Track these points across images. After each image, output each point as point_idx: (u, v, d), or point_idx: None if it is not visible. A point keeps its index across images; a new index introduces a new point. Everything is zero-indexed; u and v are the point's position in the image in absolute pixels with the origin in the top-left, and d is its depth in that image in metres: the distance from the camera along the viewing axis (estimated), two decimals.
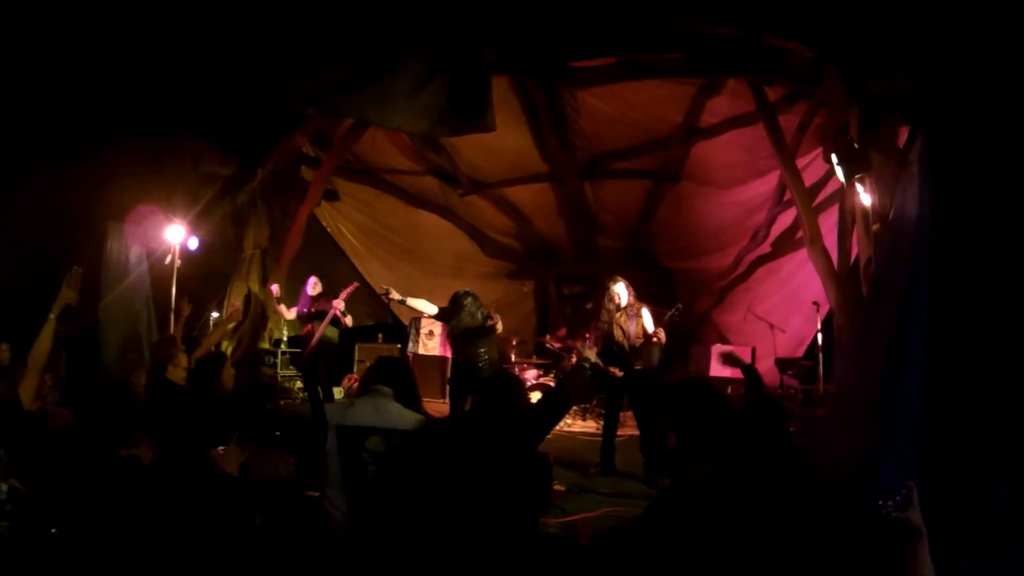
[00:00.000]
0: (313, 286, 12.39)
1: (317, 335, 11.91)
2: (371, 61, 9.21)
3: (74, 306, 8.10)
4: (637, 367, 9.76)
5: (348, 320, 12.23)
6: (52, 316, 6.74)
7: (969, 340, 5.98)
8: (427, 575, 4.15)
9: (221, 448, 5.27)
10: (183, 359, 7.92)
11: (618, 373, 9.76)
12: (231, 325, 12.52)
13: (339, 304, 11.88)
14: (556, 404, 4.92)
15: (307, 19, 9.02)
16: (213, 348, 10.78)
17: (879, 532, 2.89)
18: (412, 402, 5.12)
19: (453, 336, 10.45)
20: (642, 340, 9.81)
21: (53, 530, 4.88)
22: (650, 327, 9.84)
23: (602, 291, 10.35)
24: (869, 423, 6.49)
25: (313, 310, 12.19)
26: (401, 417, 4.90)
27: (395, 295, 10.66)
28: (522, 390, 4.91)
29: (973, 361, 5.91)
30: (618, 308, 10.01)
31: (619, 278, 10.18)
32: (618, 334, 9.92)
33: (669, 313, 9.91)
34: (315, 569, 4.68)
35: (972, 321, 6.02)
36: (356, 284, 12.58)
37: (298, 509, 5.54)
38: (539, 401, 4.97)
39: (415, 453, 4.57)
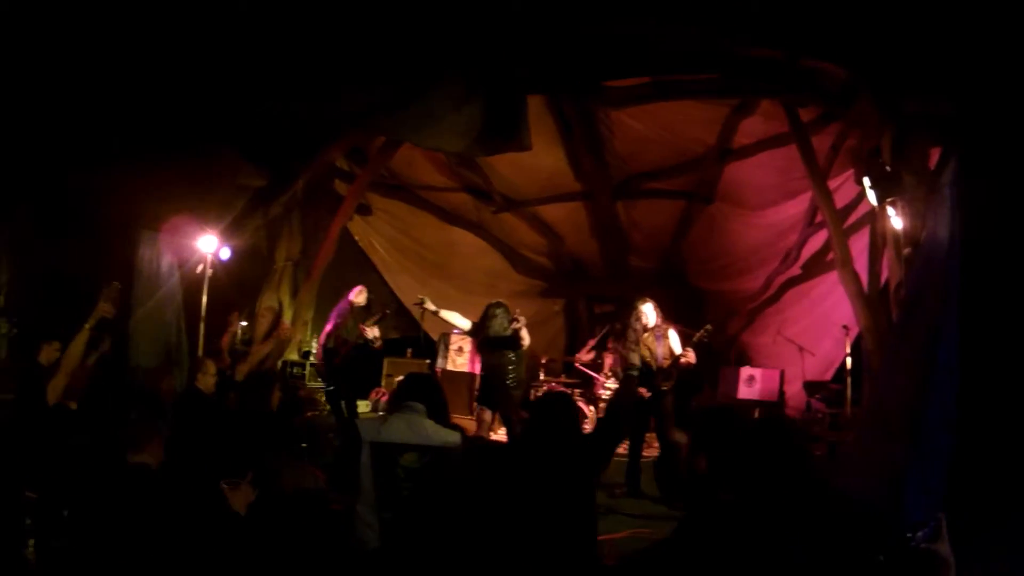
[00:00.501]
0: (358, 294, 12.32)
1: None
2: (410, 82, 9.28)
3: (110, 318, 8.28)
4: (663, 388, 9.75)
5: (379, 344, 12.20)
6: (87, 326, 6.87)
7: (1001, 369, 5.94)
8: None
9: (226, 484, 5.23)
10: (211, 366, 8.02)
11: (646, 394, 9.73)
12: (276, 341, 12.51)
13: (372, 331, 11.85)
14: (613, 430, 4.92)
15: (347, 40, 9.08)
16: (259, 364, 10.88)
17: (906, 562, 2.89)
18: (442, 419, 5.12)
19: (482, 346, 10.47)
20: (669, 361, 9.79)
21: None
22: (677, 348, 9.82)
23: (629, 311, 10.34)
24: (897, 451, 6.44)
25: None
26: (436, 434, 4.90)
27: (430, 305, 10.72)
28: (575, 411, 4.95)
29: (1005, 391, 5.86)
30: (645, 328, 9.98)
31: (647, 299, 10.16)
32: (645, 354, 9.91)
33: (698, 334, 9.88)
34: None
35: (1004, 349, 5.98)
36: (387, 312, 12.66)
37: (326, 523, 5.57)
38: (595, 431, 4.97)
39: (465, 474, 4.62)
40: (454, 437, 4.97)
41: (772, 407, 13.40)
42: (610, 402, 11.35)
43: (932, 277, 6.93)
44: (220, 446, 5.80)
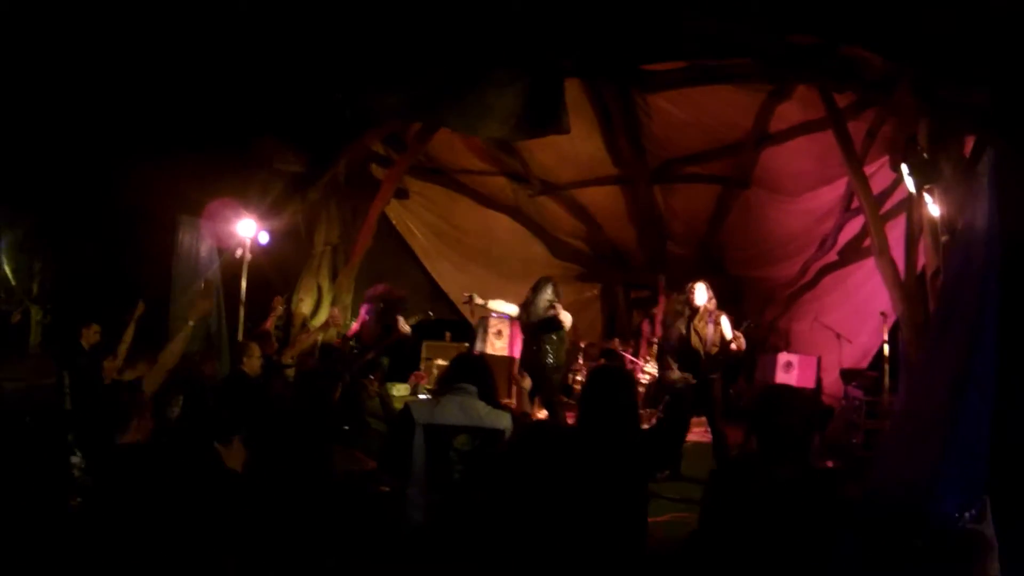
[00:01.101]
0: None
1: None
2: (455, 72, 9.33)
3: (209, 316, 8.52)
4: (712, 376, 9.74)
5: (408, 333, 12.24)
6: (190, 323, 7.02)
7: None
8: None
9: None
10: (256, 349, 8.12)
11: (691, 379, 9.73)
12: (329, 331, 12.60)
13: (405, 327, 11.93)
14: (675, 425, 4.91)
15: (391, 30, 9.13)
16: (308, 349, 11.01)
17: (951, 542, 2.97)
18: (493, 400, 5.17)
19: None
20: (718, 347, 9.80)
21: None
22: (728, 334, 9.79)
23: (682, 294, 10.34)
24: (932, 445, 6.45)
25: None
26: (488, 416, 4.94)
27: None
28: (633, 387, 4.72)
29: None
30: (696, 311, 9.95)
31: (701, 279, 10.17)
32: (695, 340, 9.90)
33: (744, 324, 9.90)
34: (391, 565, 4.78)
35: None
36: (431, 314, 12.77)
37: (374, 505, 5.65)
38: (656, 427, 4.93)
39: (516, 456, 4.61)
40: (506, 420, 5.00)
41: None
42: (671, 398, 11.45)
43: (970, 268, 6.93)
44: (270, 429, 5.90)
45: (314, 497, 5.35)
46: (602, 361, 14.44)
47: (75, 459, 6.70)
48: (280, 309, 11.84)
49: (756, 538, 2.92)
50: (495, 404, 5.17)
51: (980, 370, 6.16)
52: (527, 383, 10.11)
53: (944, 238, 8.77)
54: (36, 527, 5.14)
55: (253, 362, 8.02)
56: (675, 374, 9.94)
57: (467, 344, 16.11)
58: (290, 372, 11.45)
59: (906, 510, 4.07)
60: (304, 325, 13.93)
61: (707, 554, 3.03)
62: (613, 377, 4.60)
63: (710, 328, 9.84)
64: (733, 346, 9.65)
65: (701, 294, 9.97)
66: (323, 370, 6.56)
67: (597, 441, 4.35)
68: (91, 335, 9.34)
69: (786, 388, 4.89)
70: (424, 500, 4.79)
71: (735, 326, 9.90)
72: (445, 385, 5.23)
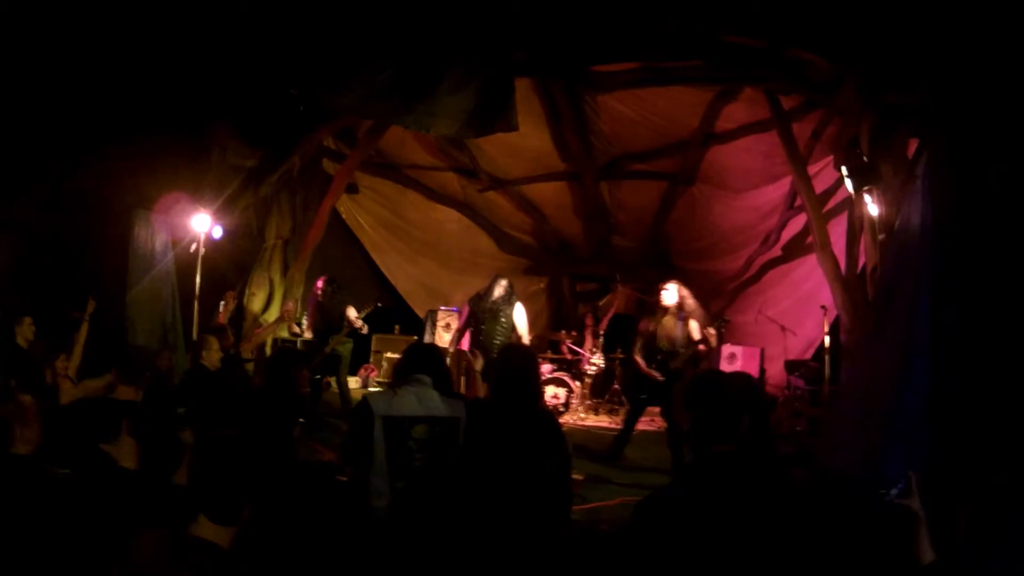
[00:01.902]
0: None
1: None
2: (407, 68, 9.37)
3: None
4: (677, 369, 9.94)
5: (364, 328, 12.48)
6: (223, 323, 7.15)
7: (971, 344, 6.24)
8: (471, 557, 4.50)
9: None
10: (214, 343, 8.17)
11: (659, 377, 9.96)
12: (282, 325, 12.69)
13: (356, 320, 12.14)
14: None
15: (344, 25, 9.18)
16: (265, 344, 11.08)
17: (885, 519, 3.19)
18: (448, 389, 5.34)
19: (476, 311, 10.85)
20: (685, 348, 9.98)
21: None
22: (696, 335, 9.97)
23: (654, 292, 10.56)
24: (875, 426, 6.78)
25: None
26: (444, 406, 5.07)
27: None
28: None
29: (976, 364, 6.16)
30: (665, 311, 10.12)
31: (673, 280, 10.41)
32: (661, 336, 10.09)
33: (716, 323, 10.14)
34: (357, 554, 4.93)
35: (974, 326, 6.27)
36: (378, 303, 13.00)
37: (334, 494, 5.79)
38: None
39: (468, 439, 4.93)
40: (460, 409, 5.18)
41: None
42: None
43: (907, 263, 7.24)
44: (238, 422, 5.99)
45: (279, 487, 5.50)
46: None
47: None
48: (232, 303, 11.94)
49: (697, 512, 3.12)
50: (450, 393, 5.32)
51: (919, 350, 6.49)
52: (479, 363, 10.30)
53: (881, 236, 9.09)
54: None
55: (212, 355, 8.07)
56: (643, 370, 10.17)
57: (415, 337, 16.26)
58: (249, 366, 11.61)
59: (851, 489, 4.31)
60: (255, 320, 14.00)
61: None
62: (519, 352, 5.36)
63: (679, 328, 10.06)
64: (701, 347, 9.87)
65: (671, 295, 10.16)
66: (289, 363, 6.61)
67: (506, 410, 4.86)
68: (25, 330, 9.03)
69: (717, 372, 5.16)
70: (387, 488, 4.88)
71: (708, 323, 10.11)
72: (400, 376, 5.27)
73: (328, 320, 12.17)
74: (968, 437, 5.82)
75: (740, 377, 5.13)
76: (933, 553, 3.20)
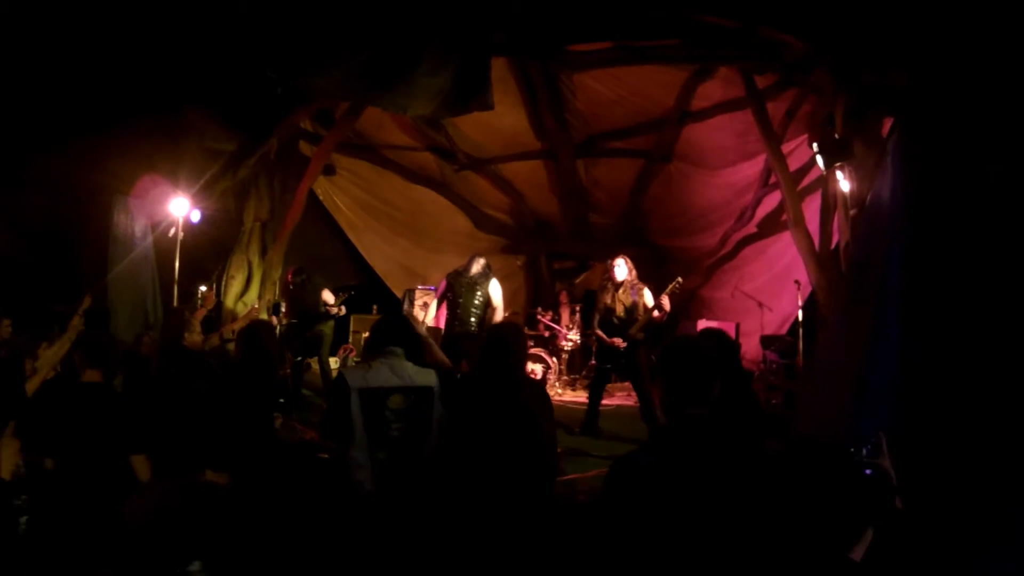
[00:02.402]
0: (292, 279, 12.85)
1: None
2: (384, 50, 9.37)
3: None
4: (638, 337, 10.24)
5: (341, 310, 12.84)
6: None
7: (939, 314, 6.38)
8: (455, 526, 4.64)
9: None
10: (196, 324, 8.24)
11: (621, 344, 10.21)
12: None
13: (335, 309, 12.46)
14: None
15: (321, 6, 9.18)
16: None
17: (852, 475, 3.30)
18: (420, 359, 5.46)
19: (452, 285, 10.96)
20: (642, 315, 10.26)
21: None
22: (650, 302, 10.32)
23: (604, 268, 10.80)
24: (848, 390, 6.95)
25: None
26: (418, 375, 5.22)
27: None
28: (522, 337, 5.41)
29: (943, 333, 6.30)
30: (619, 285, 10.47)
31: (621, 255, 10.63)
32: (619, 309, 10.38)
33: (670, 286, 10.36)
34: (345, 525, 5.05)
35: (941, 297, 6.41)
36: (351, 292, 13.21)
37: (317, 471, 5.91)
38: None
39: (452, 406, 5.08)
40: (433, 377, 5.29)
41: None
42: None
43: (877, 236, 7.36)
44: (222, 404, 6.06)
45: (263, 464, 5.61)
46: None
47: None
48: (211, 303, 11.99)
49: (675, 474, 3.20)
50: (422, 363, 5.45)
51: (888, 320, 6.64)
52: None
53: (853, 212, 9.23)
54: None
55: (194, 337, 8.11)
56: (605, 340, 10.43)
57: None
58: (230, 346, 11.68)
59: (824, 452, 4.43)
60: (236, 301, 14.04)
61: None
62: (508, 329, 5.48)
63: (632, 299, 10.32)
64: (655, 314, 10.13)
65: (621, 269, 10.54)
66: (263, 332, 6.66)
67: (491, 382, 5.05)
68: (3, 329, 9.04)
69: (689, 337, 5.30)
70: (368, 460, 5.00)
71: (661, 290, 10.35)
72: (373, 350, 5.39)
73: (304, 307, 12.37)
74: (935, 402, 5.97)
75: (714, 336, 5.23)
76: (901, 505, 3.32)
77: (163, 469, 5.74)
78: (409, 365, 5.24)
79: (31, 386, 7.15)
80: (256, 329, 6.30)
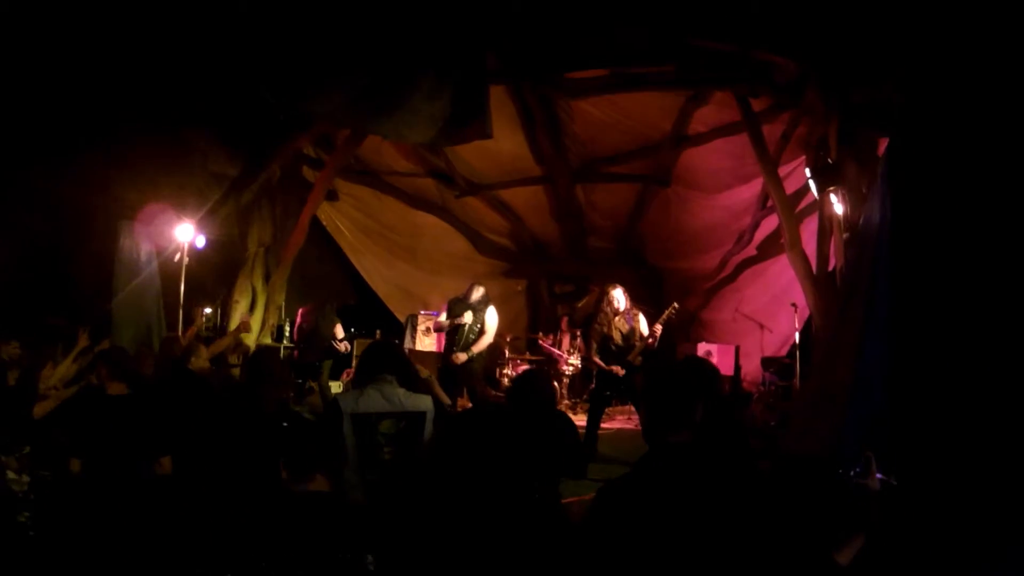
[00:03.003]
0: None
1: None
2: (382, 77, 9.48)
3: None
4: (636, 363, 10.36)
5: (344, 346, 13.13)
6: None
7: (927, 336, 6.46)
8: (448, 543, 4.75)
9: None
10: (203, 350, 8.37)
11: (620, 371, 10.34)
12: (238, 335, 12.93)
13: (341, 346, 12.73)
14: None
15: (320, 33, 9.29)
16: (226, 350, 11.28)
17: (839, 495, 3.39)
18: (413, 385, 5.59)
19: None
20: (639, 341, 10.40)
21: None
22: (645, 330, 10.44)
23: (601, 296, 10.93)
24: (837, 408, 7.07)
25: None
26: (408, 400, 5.35)
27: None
28: (550, 385, 5.60)
29: (931, 355, 6.39)
30: (616, 312, 10.55)
31: (617, 285, 10.74)
32: (616, 336, 10.49)
33: (666, 312, 10.47)
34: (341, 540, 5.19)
35: (929, 319, 6.49)
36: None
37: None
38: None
39: (440, 437, 5.19)
40: (426, 402, 5.43)
41: (728, 381, 14.04)
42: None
43: (865, 257, 7.47)
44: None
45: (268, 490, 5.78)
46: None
47: (11, 474, 6.97)
48: (200, 317, 12.10)
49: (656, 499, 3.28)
50: (415, 388, 5.57)
51: (876, 343, 6.74)
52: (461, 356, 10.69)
53: (845, 235, 9.34)
54: None
55: (200, 362, 8.23)
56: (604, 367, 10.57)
57: (396, 341, 16.42)
58: (235, 371, 11.85)
59: (811, 470, 4.53)
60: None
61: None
62: (535, 375, 5.65)
63: (629, 326, 10.49)
64: (650, 340, 10.26)
65: (620, 299, 10.64)
66: (270, 359, 6.83)
67: (522, 426, 5.16)
68: (11, 351, 9.14)
69: (668, 362, 5.42)
70: (360, 481, 5.18)
71: (658, 314, 10.50)
72: (365, 375, 5.51)
73: (318, 336, 12.58)
74: (922, 416, 6.07)
75: (694, 364, 5.33)
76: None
77: None
78: (401, 391, 5.37)
79: (43, 409, 7.34)
80: (262, 353, 6.54)
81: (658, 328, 10.28)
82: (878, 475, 3.46)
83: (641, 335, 10.43)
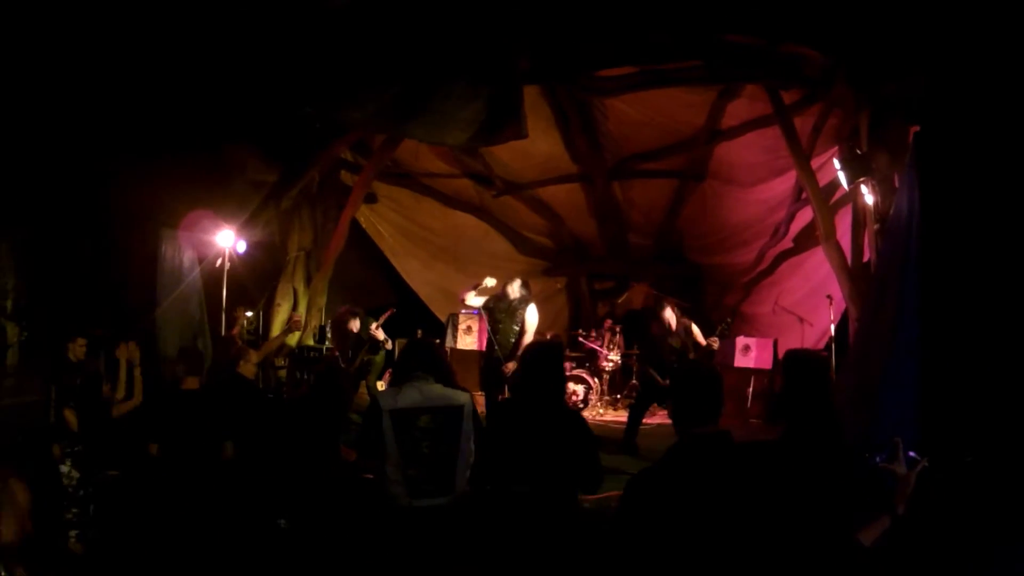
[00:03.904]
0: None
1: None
2: (417, 83, 9.61)
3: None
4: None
5: (388, 344, 13.19)
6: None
7: (958, 331, 6.53)
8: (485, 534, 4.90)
9: None
10: (253, 355, 8.61)
11: (665, 383, 10.56)
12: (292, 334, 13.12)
13: (379, 332, 12.73)
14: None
15: (355, 43, 9.44)
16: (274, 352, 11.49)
17: (868, 480, 3.51)
18: (449, 382, 5.75)
19: (491, 314, 11.26)
20: (694, 352, 10.74)
21: None
22: (701, 339, 10.87)
23: (652, 314, 11.51)
24: (869, 398, 7.14)
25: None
26: (445, 396, 5.53)
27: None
28: (559, 356, 5.59)
29: (962, 344, 6.46)
30: (668, 333, 11.02)
31: (666, 306, 11.22)
32: (667, 352, 10.96)
33: (719, 327, 10.77)
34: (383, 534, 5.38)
35: (961, 313, 6.56)
36: (392, 310, 13.33)
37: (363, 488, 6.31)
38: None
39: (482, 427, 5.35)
40: (463, 397, 5.60)
41: (767, 375, 14.11)
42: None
43: (896, 249, 7.53)
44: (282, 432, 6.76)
45: (320, 486, 6.18)
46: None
47: (64, 469, 7.27)
48: (243, 318, 12.28)
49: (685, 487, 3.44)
50: (452, 385, 5.73)
51: (905, 341, 6.80)
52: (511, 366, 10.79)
53: (876, 226, 9.38)
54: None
55: (249, 367, 8.48)
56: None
57: (438, 340, 16.54)
58: (281, 372, 12.05)
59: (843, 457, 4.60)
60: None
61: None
62: (546, 350, 5.52)
63: (682, 340, 11.00)
64: (714, 346, 10.74)
65: (670, 319, 11.08)
66: (339, 374, 7.40)
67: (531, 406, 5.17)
68: (77, 349, 9.19)
69: (695, 363, 5.53)
70: (401, 475, 5.34)
71: (711, 332, 10.80)
72: (402, 374, 5.70)
73: (353, 341, 12.74)
74: (951, 406, 6.13)
75: (799, 356, 5.42)
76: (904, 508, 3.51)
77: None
78: (438, 387, 5.54)
79: (119, 411, 7.96)
80: (334, 369, 7.06)
81: (715, 341, 10.56)
82: (911, 454, 3.58)
83: (697, 344, 10.83)
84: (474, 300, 11.62)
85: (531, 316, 10.97)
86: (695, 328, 11.00)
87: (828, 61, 10.17)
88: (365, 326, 12.78)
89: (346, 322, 12.72)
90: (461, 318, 16.46)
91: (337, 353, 12.90)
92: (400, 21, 9.59)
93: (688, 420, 3.62)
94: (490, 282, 11.10)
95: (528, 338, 10.86)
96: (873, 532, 3.44)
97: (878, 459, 3.54)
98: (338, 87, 9.64)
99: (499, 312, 11.05)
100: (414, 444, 5.34)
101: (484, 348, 14.70)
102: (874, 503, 3.53)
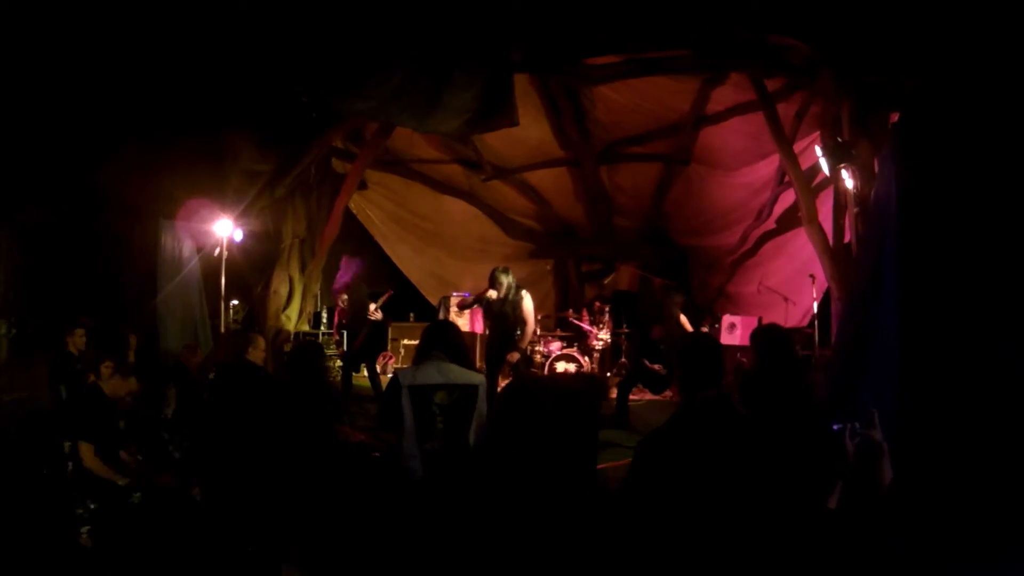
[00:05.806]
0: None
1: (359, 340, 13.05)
2: (412, 75, 9.86)
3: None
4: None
5: (379, 315, 13.42)
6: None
7: (934, 307, 6.83)
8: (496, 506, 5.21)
9: None
10: (260, 342, 8.70)
11: (663, 371, 11.09)
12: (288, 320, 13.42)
13: (377, 314, 13.03)
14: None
15: (351, 34, 9.55)
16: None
17: (844, 447, 3.84)
18: (465, 363, 6.07)
19: (490, 311, 11.26)
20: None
21: None
22: (690, 328, 11.44)
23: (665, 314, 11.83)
24: (851, 373, 7.51)
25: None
26: (461, 375, 5.76)
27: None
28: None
29: (938, 326, 6.76)
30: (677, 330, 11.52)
31: (675, 307, 11.73)
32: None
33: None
34: (402, 507, 5.69)
35: (936, 291, 6.84)
36: (391, 292, 13.63)
37: (373, 467, 6.59)
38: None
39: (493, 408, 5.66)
40: (477, 378, 5.89)
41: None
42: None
43: (874, 235, 7.86)
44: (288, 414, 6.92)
45: (328, 466, 6.40)
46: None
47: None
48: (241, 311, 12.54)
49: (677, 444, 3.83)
50: (468, 366, 6.04)
51: (884, 321, 7.14)
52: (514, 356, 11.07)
53: (855, 210, 9.73)
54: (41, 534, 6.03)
55: (258, 353, 8.50)
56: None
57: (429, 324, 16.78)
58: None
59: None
60: (278, 315, 14.57)
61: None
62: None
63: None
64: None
65: (685, 321, 11.78)
66: (315, 355, 7.39)
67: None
68: (77, 340, 9.54)
69: (701, 335, 5.88)
70: (416, 450, 5.57)
71: (699, 325, 11.31)
72: (422, 354, 5.90)
73: (359, 316, 13.03)
74: (928, 382, 6.46)
75: (767, 331, 5.80)
76: (891, 473, 3.85)
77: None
78: (455, 367, 5.83)
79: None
80: (303, 350, 7.13)
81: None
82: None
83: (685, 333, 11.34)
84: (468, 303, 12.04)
85: (528, 305, 11.19)
86: (683, 318, 11.62)
87: (812, 52, 10.44)
88: (362, 306, 13.06)
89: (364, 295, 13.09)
90: (452, 300, 16.78)
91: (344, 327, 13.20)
92: (399, 14, 9.78)
93: (694, 385, 3.99)
94: (493, 295, 11.32)
95: (530, 327, 11.10)
96: (835, 497, 3.81)
97: (856, 425, 3.84)
98: (336, 77, 9.79)
99: (492, 318, 11.24)
100: (430, 420, 5.64)
101: (474, 329, 15.14)
102: (835, 469, 3.89)
